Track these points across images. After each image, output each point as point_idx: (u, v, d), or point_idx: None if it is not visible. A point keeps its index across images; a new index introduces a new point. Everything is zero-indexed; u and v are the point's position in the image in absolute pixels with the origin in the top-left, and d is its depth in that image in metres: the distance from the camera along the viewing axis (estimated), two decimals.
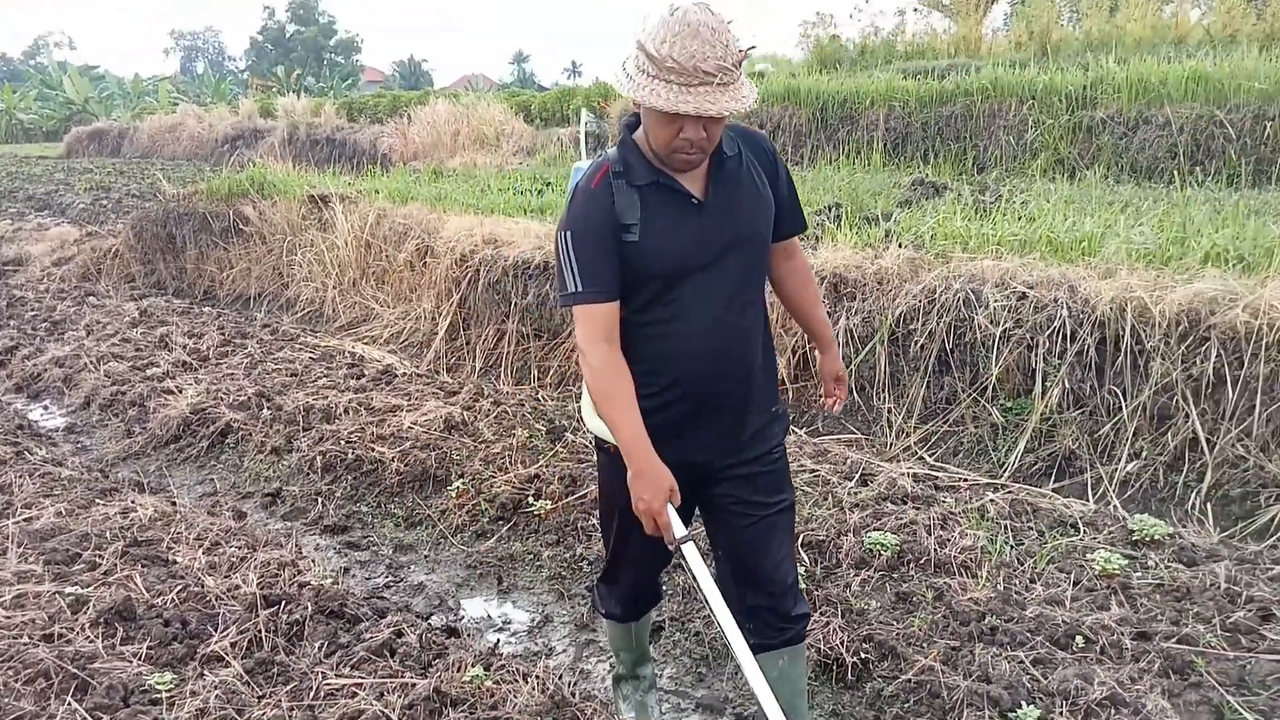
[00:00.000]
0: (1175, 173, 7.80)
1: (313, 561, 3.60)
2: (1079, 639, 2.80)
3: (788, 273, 2.32)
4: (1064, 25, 12.74)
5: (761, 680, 1.95)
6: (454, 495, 4.15)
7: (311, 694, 2.66)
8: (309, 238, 8.27)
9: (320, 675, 2.75)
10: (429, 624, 3.20)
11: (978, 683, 2.63)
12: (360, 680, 2.72)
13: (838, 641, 2.88)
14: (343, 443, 4.67)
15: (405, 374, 5.93)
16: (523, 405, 5.16)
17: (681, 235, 2.01)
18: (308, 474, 4.57)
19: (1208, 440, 3.79)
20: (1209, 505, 3.69)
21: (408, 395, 5.39)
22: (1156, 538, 3.38)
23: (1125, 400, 4.01)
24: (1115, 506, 3.77)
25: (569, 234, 2.00)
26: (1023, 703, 2.54)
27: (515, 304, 6.14)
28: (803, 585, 3.14)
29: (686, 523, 2.10)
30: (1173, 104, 8.46)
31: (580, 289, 1.98)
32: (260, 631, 2.93)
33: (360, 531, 4.11)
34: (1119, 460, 3.96)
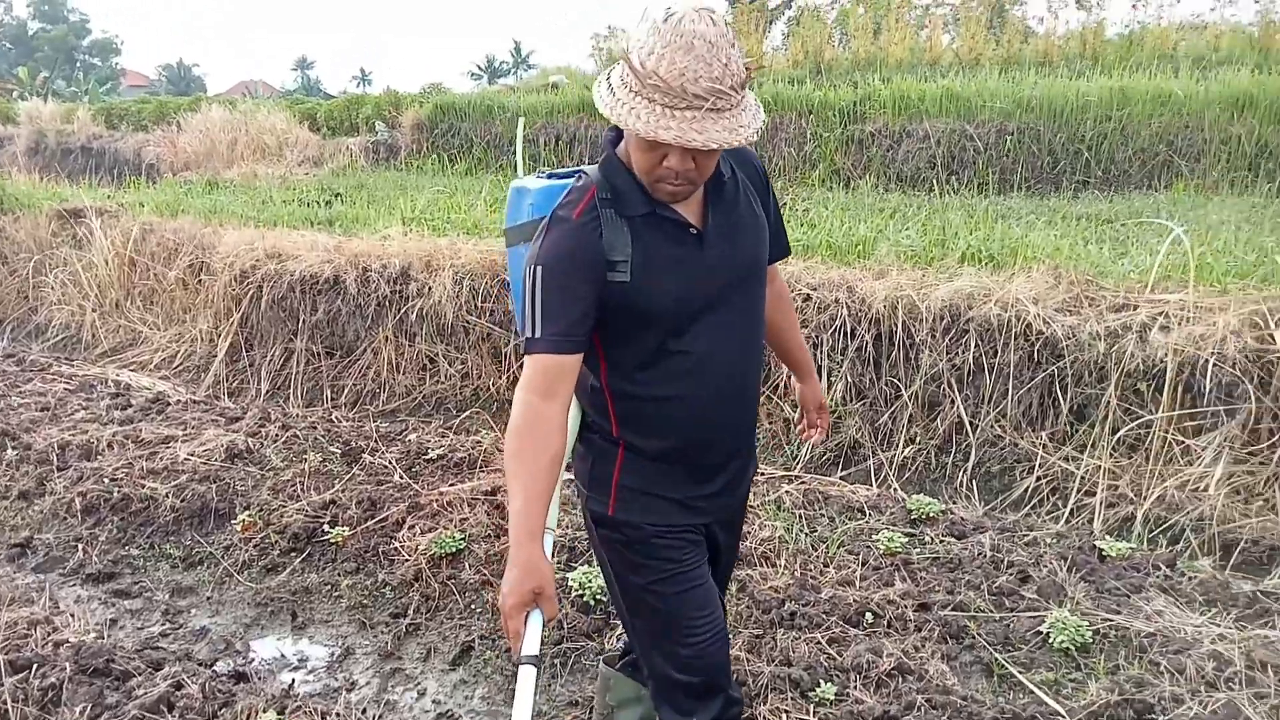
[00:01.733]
0: (934, 181, 8.57)
1: (72, 616, 3.21)
2: (869, 615, 2.98)
3: (771, 298, 2.01)
4: (835, 46, 13.69)
5: None
6: (239, 529, 3.84)
7: None
8: (61, 256, 7.44)
9: None
10: (213, 671, 2.93)
11: (780, 667, 2.74)
12: None
13: None
14: (106, 480, 4.21)
15: (180, 401, 5.45)
16: (314, 428, 4.87)
17: (681, 272, 1.73)
18: (64, 518, 4.08)
19: (970, 423, 4.16)
20: (974, 482, 4.05)
21: (183, 424, 4.95)
22: (931, 515, 3.66)
23: (901, 390, 4.33)
24: (895, 489, 4.06)
25: (539, 269, 1.67)
26: (821, 681, 2.66)
27: (303, 321, 5.81)
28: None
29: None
30: (930, 119, 9.29)
31: (538, 335, 1.68)
32: (6, 703, 2.57)
33: (130, 577, 3.72)
34: (897, 446, 4.27)
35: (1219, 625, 2.86)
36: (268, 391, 5.73)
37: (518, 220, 1.96)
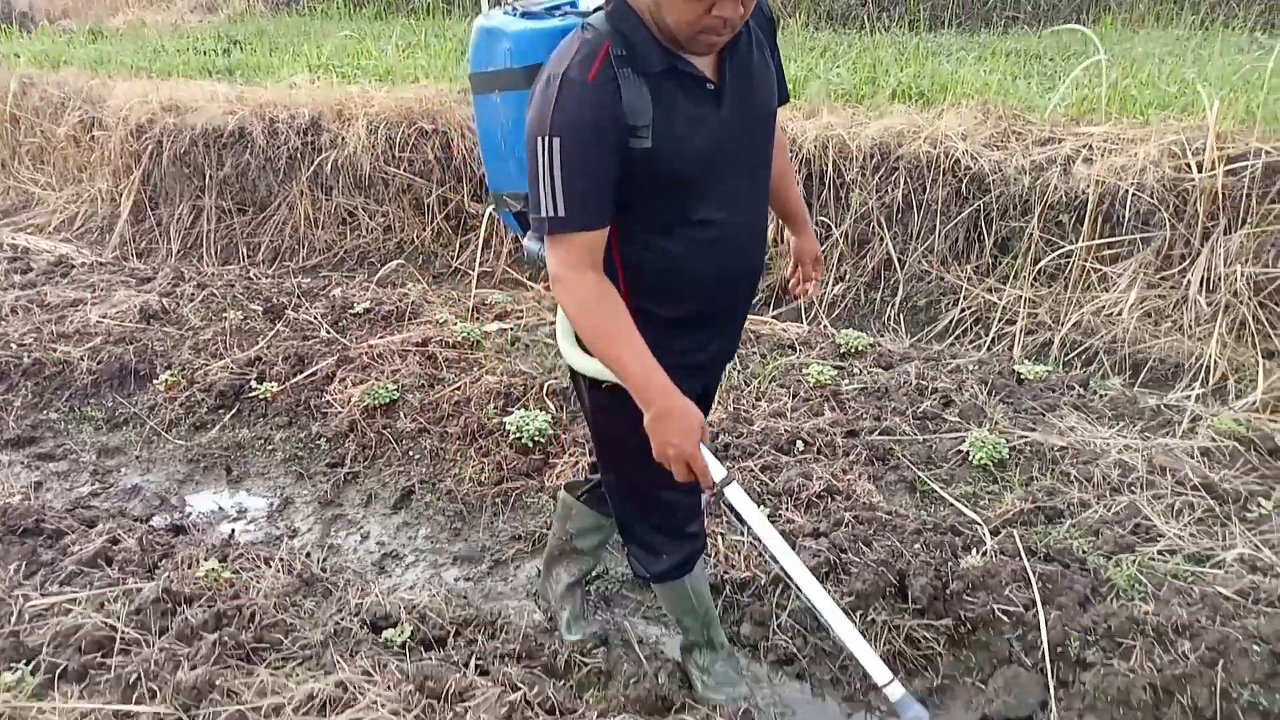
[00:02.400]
0: (865, 19, 8.35)
1: None
2: (799, 443, 3.08)
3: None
4: None
5: (850, 627, 1.71)
6: (162, 388, 3.73)
7: (14, 619, 2.34)
8: None
9: (21, 599, 2.42)
10: (149, 526, 2.91)
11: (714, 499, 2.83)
12: (74, 595, 2.43)
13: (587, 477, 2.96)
14: (15, 346, 4.02)
15: (85, 264, 5.18)
16: (232, 286, 4.69)
17: (702, 132, 1.62)
18: None
19: (899, 259, 4.22)
20: (901, 315, 4.15)
21: (91, 287, 4.72)
22: (860, 348, 3.75)
23: (832, 228, 4.35)
24: (825, 325, 4.13)
25: (555, 141, 1.50)
26: (756, 504, 2.76)
27: (210, 177, 5.49)
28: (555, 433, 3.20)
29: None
30: None
31: (564, 213, 1.53)
32: None
33: (53, 441, 3.61)
34: (827, 284, 4.32)
35: (1125, 437, 3.04)
36: (179, 251, 5.48)
37: (489, 66, 1.74)
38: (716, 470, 1.67)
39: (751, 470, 2.94)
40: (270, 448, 3.45)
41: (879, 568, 2.45)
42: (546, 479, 3.06)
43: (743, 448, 3.06)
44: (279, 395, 3.63)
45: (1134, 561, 2.45)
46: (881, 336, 3.99)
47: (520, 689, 1.98)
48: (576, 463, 3.05)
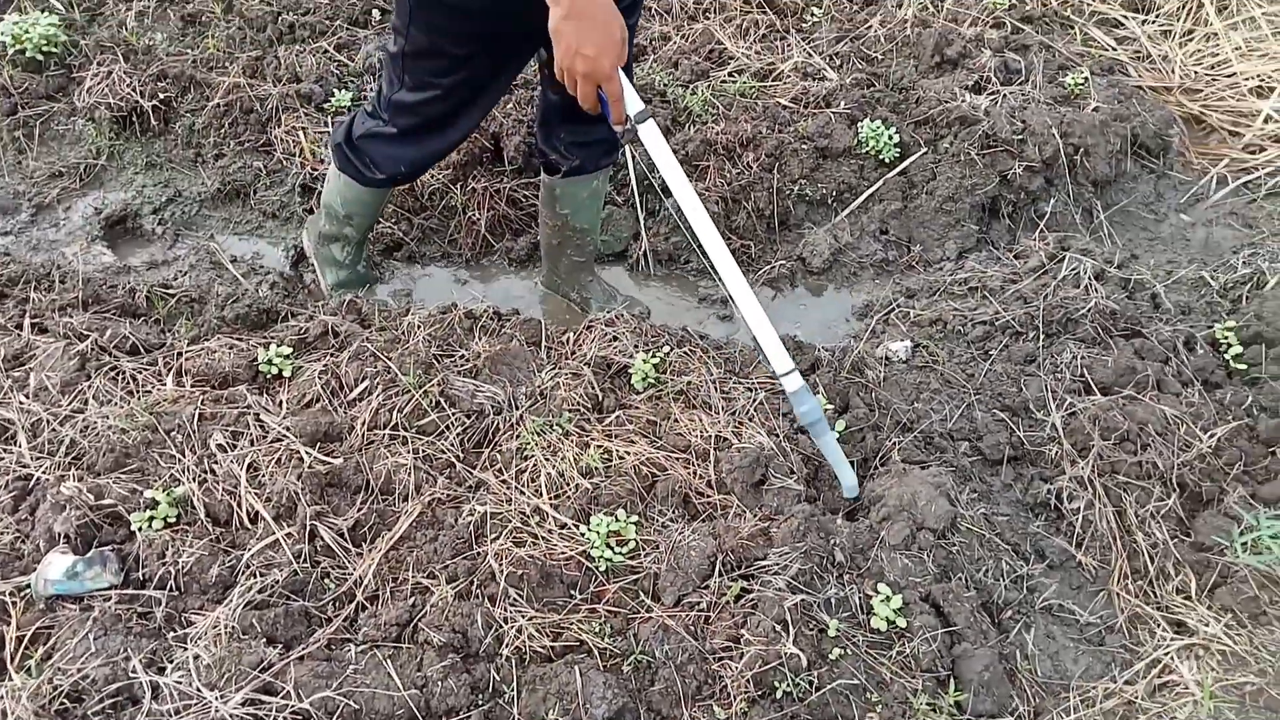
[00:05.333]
0: None
1: None
2: (375, 13, 2.75)
3: None
4: None
5: (756, 305, 1.50)
6: None
7: None
8: None
9: None
10: None
11: (288, 85, 2.51)
12: None
13: (128, 90, 2.48)
14: None
15: None
16: None
17: None
18: None
19: None
20: None
21: None
22: None
23: None
24: None
25: None
26: (334, 91, 2.50)
27: None
28: None
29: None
30: None
31: None
32: None
33: None
34: None
35: None
36: None
37: None
38: (633, 101, 1.39)
39: (325, 51, 2.61)
40: None
41: (476, 140, 2.37)
42: (78, 99, 2.53)
43: (310, 26, 2.68)
44: None
45: (708, 87, 2.58)
46: None
47: (90, 335, 1.79)
48: (109, 73, 2.52)
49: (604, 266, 2.29)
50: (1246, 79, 2.80)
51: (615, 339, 1.87)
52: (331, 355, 1.77)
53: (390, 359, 1.74)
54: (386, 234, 2.26)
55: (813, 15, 2.86)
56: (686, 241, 2.32)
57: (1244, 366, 1.90)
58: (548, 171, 1.96)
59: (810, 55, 2.71)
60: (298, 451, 1.57)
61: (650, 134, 1.44)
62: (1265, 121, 2.66)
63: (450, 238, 2.29)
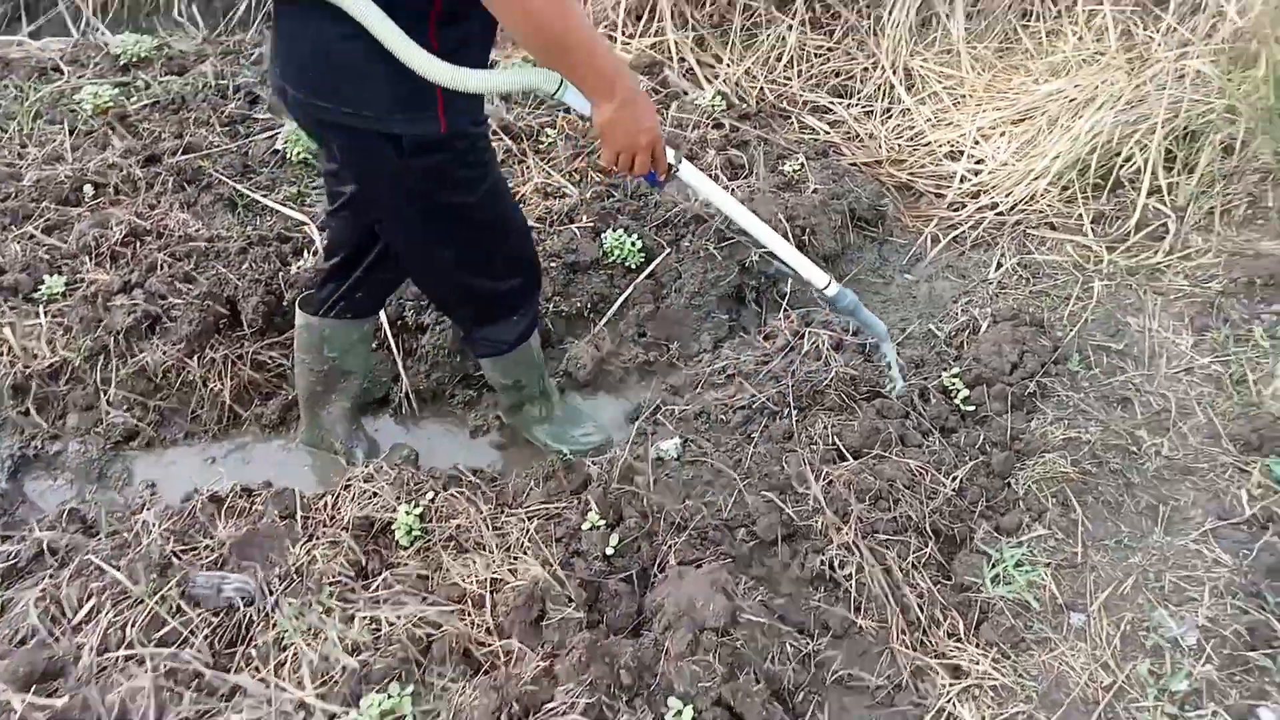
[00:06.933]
0: None
1: None
2: (88, 189, 2.61)
3: None
4: None
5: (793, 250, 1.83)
6: None
7: None
8: None
9: None
10: None
11: None
12: None
13: None
14: None
15: None
16: None
17: None
18: None
19: None
20: (194, 6, 3.58)
21: None
22: (144, 56, 3.19)
23: None
24: (99, 33, 3.41)
25: None
26: (45, 276, 2.32)
27: None
28: None
29: None
30: None
31: None
32: None
33: None
34: None
35: None
36: None
37: None
38: (671, 154, 1.59)
39: (33, 237, 2.44)
40: None
41: (205, 302, 2.26)
42: None
43: (13, 213, 2.50)
44: None
45: None
46: (170, 35, 3.42)
47: None
48: None
49: (365, 415, 2.22)
50: (940, 146, 3.14)
51: (375, 494, 1.79)
52: (50, 577, 1.59)
53: (120, 567, 1.58)
54: (118, 424, 2.09)
55: (548, 136, 2.97)
56: (450, 375, 2.29)
57: (972, 408, 2.06)
58: (314, 310, 1.91)
59: (550, 174, 2.80)
60: (7, 702, 1.38)
61: (689, 172, 1.64)
62: (960, 181, 2.99)
63: (192, 415, 2.14)
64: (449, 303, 1.94)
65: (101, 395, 2.13)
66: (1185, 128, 2.83)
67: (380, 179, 1.56)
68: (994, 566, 1.68)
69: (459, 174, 1.58)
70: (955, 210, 2.92)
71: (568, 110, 2.96)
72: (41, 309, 2.26)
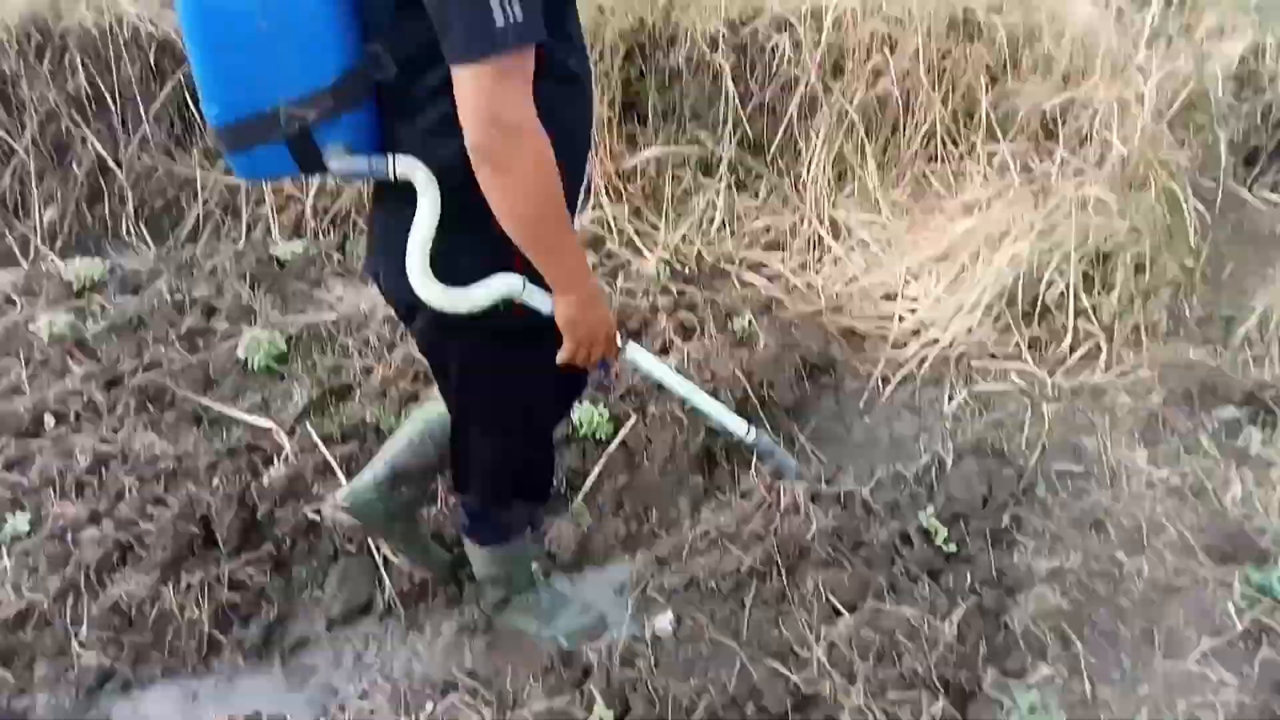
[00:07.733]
0: None
1: None
2: (49, 418, 2.58)
3: None
4: None
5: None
6: None
7: None
8: None
9: None
10: None
11: None
12: None
13: None
14: None
15: None
16: None
17: None
18: None
19: (115, 160, 3.66)
20: (141, 225, 3.66)
21: None
22: (98, 279, 3.24)
23: (10, 139, 3.55)
24: (51, 261, 3.45)
25: None
26: (8, 515, 2.27)
27: None
28: None
29: None
30: None
31: (522, 17, 1.21)
32: None
33: None
34: (33, 210, 3.58)
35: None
36: None
37: None
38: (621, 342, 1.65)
39: None
40: None
41: (179, 523, 2.22)
42: None
43: None
44: None
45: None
46: (122, 257, 3.48)
47: None
48: None
49: (345, 627, 2.16)
50: (874, 289, 3.32)
51: (373, 711, 1.73)
52: None
53: None
54: (90, 666, 2.00)
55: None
56: (431, 575, 2.25)
57: (954, 547, 2.11)
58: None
59: None
60: None
61: (636, 351, 1.71)
62: (899, 320, 3.14)
63: (169, 649, 2.06)
64: (485, 469, 1.83)
65: (72, 637, 2.05)
66: (1097, 250, 3.05)
67: (454, 343, 1.60)
68: (1009, 715, 1.68)
69: (516, 337, 1.58)
70: (899, 349, 3.05)
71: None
72: (5, 550, 2.19)
